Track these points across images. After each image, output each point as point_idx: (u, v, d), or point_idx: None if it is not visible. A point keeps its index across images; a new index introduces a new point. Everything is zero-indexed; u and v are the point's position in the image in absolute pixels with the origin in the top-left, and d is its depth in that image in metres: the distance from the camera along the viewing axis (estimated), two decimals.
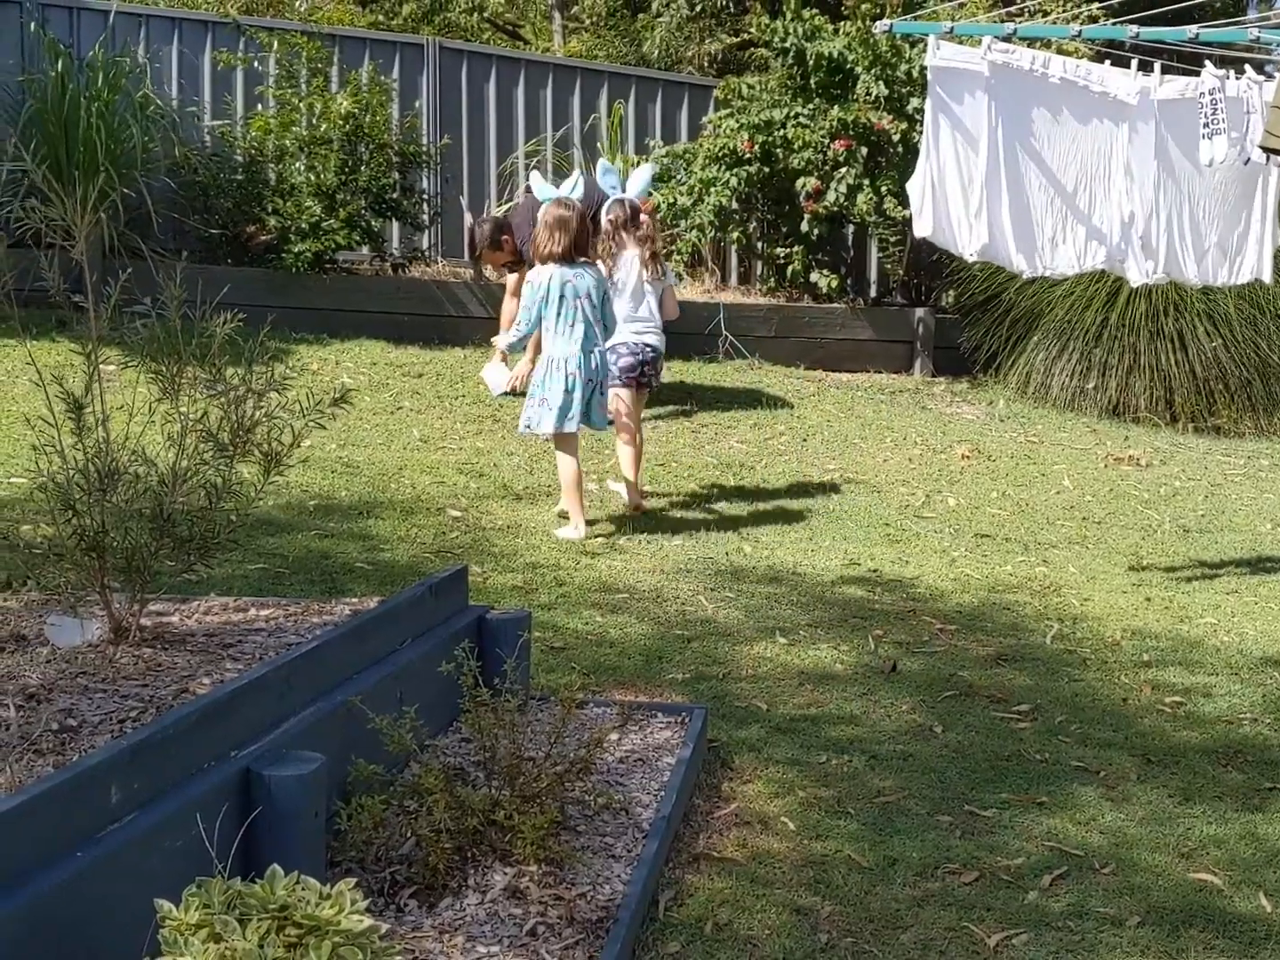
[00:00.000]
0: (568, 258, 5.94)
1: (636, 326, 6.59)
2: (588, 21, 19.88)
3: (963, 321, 10.83)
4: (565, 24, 19.81)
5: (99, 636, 3.29)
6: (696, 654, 4.57)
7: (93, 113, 8.50)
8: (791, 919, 2.93)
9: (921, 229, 5.37)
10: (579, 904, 2.80)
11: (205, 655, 3.24)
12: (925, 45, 5.85)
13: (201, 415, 3.22)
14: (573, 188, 6.25)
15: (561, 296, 5.92)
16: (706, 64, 15.96)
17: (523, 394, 6.32)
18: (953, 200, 5.34)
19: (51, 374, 3.16)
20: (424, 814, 2.87)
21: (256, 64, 9.97)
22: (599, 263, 6.41)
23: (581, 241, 5.99)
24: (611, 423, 6.34)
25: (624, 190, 6.90)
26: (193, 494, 3.27)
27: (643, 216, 6.76)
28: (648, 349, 6.60)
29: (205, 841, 2.31)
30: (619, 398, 6.43)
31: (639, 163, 11.07)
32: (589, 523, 5.93)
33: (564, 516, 6.00)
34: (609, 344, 6.30)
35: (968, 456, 8.18)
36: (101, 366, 3.23)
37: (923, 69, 10.01)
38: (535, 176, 6.91)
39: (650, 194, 8.71)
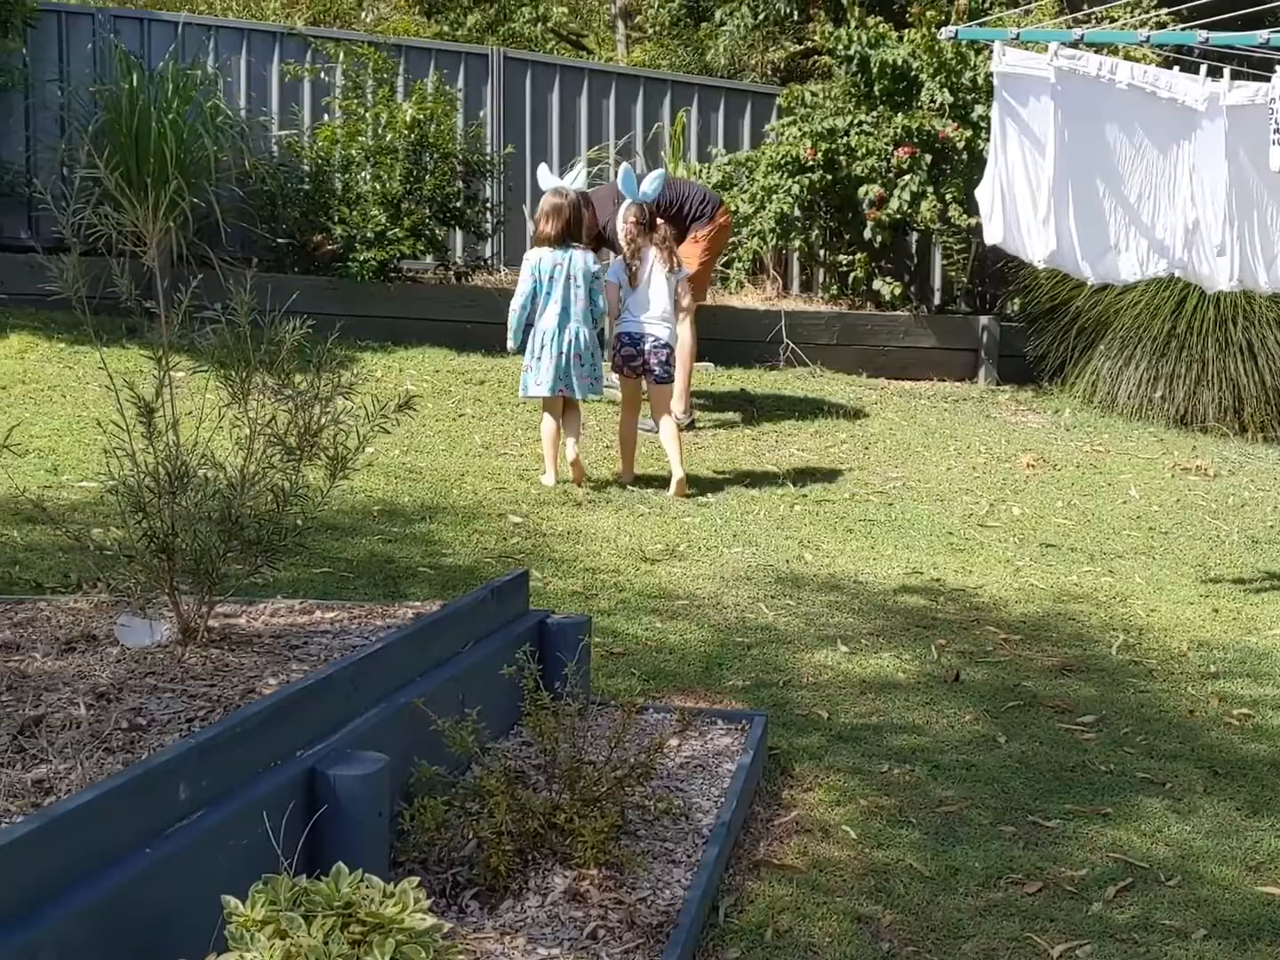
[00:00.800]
0: (559, 241, 6.65)
1: (641, 315, 6.97)
2: (651, 31, 19.93)
3: (1028, 329, 10.74)
4: (629, 33, 19.88)
5: (168, 637, 3.34)
6: (756, 661, 4.56)
7: (163, 123, 8.63)
8: (852, 927, 2.92)
9: (992, 235, 5.34)
10: (639, 908, 2.81)
11: (271, 656, 3.28)
12: (991, 52, 5.83)
13: (269, 420, 3.26)
14: (573, 179, 7.02)
15: (551, 277, 6.61)
16: (770, 72, 15.95)
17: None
18: (1022, 206, 5.31)
19: (123, 379, 3.22)
20: (485, 816, 2.89)
21: (324, 75, 10.08)
22: (621, 258, 7.06)
23: (574, 228, 6.68)
24: (596, 394, 7.01)
25: (638, 193, 7.15)
26: (260, 497, 3.32)
27: (658, 220, 7.19)
28: (648, 338, 6.92)
29: (271, 839, 2.34)
30: (621, 384, 7.08)
31: (702, 171, 11.12)
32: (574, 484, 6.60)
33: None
34: (617, 331, 6.96)
35: (1032, 465, 8.12)
36: (172, 372, 3.29)
37: (988, 76, 9.97)
38: (542, 169, 7.34)
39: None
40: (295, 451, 3.22)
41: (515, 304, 6.72)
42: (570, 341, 6.62)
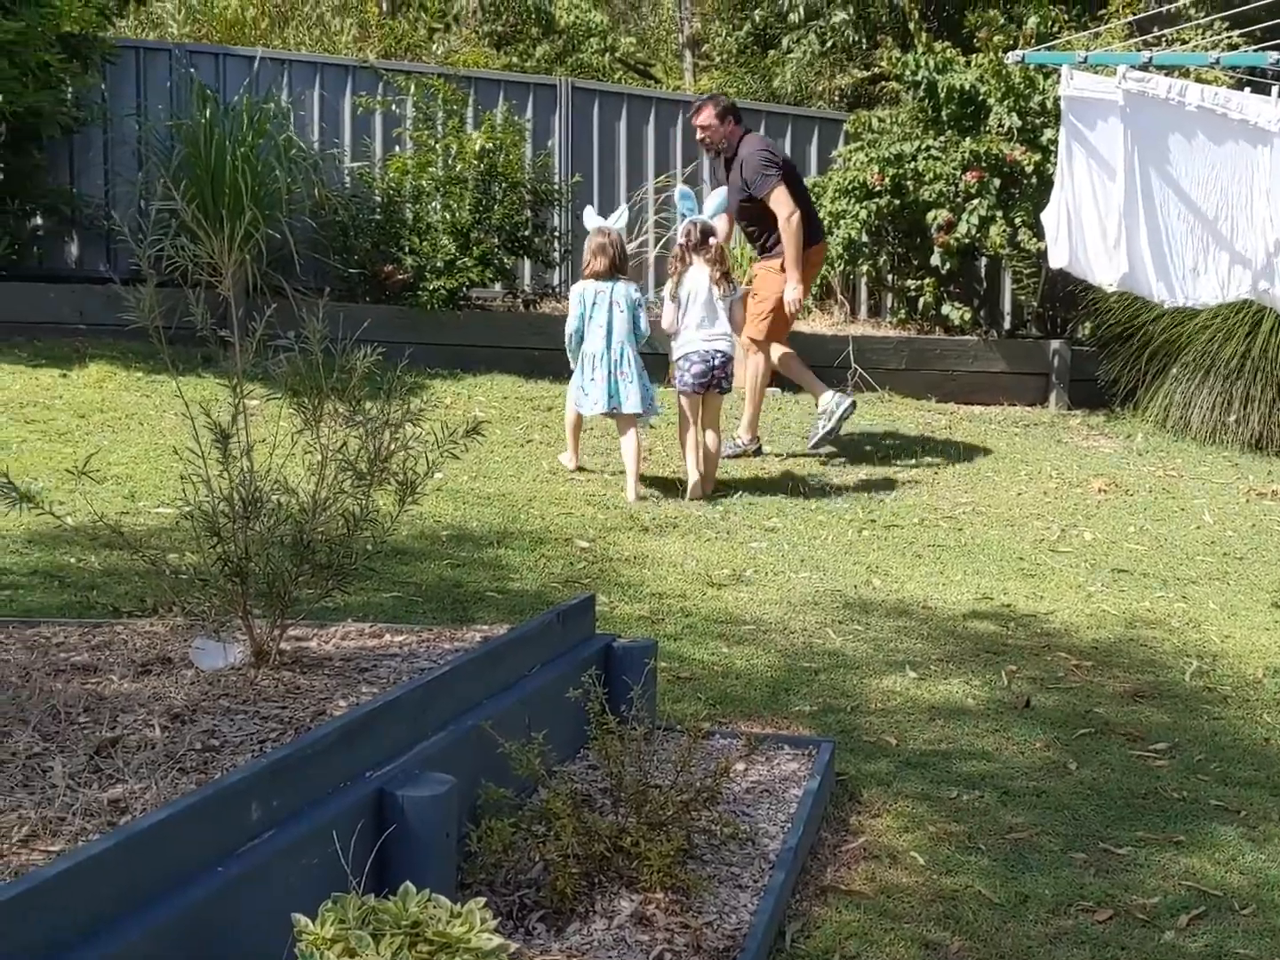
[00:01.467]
0: (606, 275, 7.27)
1: (707, 334, 7.33)
2: (718, 59, 20.03)
3: (1099, 354, 10.64)
4: (696, 62, 19.98)
5: (241, 660, 3.39)
6: (824, 686, 4.55)
7: (238, 156, 8.80)
8: (920, 953, 2.90)
9: (1057, 259, 5.33)
10: (705, 932, 2.81)
11: (342, 679, 3.33)
12: (1059, 76, 5.82)
13: (341, 445, 3.31)
14: (616, 219, 7.53)
15: (595, 304, 7.22)
16: (836, 98, 15.98)
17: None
18: (1089, 230, 5.29)
19: (199, 407, 3.29)
20: (552, 839, 2.90)
21: (395, 107, 10.23)
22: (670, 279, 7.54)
23: (618, 263, 7.32)
24: (646, 413, 7.39)
25: (700, 212, 7.58)
26: (331, 522, 3.37)
27: (711, 239, 7.44)
28: (718, 354, 7.30)
29: (340, 859, 2.37)
30: (685, 401, 7.33)
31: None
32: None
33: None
34: (682, 351, 7.34)
35: (1104, 490, 8.03)
36: (246, 400, 3.35)
37: (1057, 99, 9.91)
38: (588, 211, 7.77)
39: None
40: (366, 477, 3.26)
41: (568, 330, 7.37)
42: (618, 360, 7.18)
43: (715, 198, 7.66)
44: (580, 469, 7.46)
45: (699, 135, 8.06)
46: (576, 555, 5.83)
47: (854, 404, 8.28)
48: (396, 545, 5.49)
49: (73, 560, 5.13)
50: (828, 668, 4.71)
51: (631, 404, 7.13)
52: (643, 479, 7.20)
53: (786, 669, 4.67)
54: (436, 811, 2.63)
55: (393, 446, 3.36)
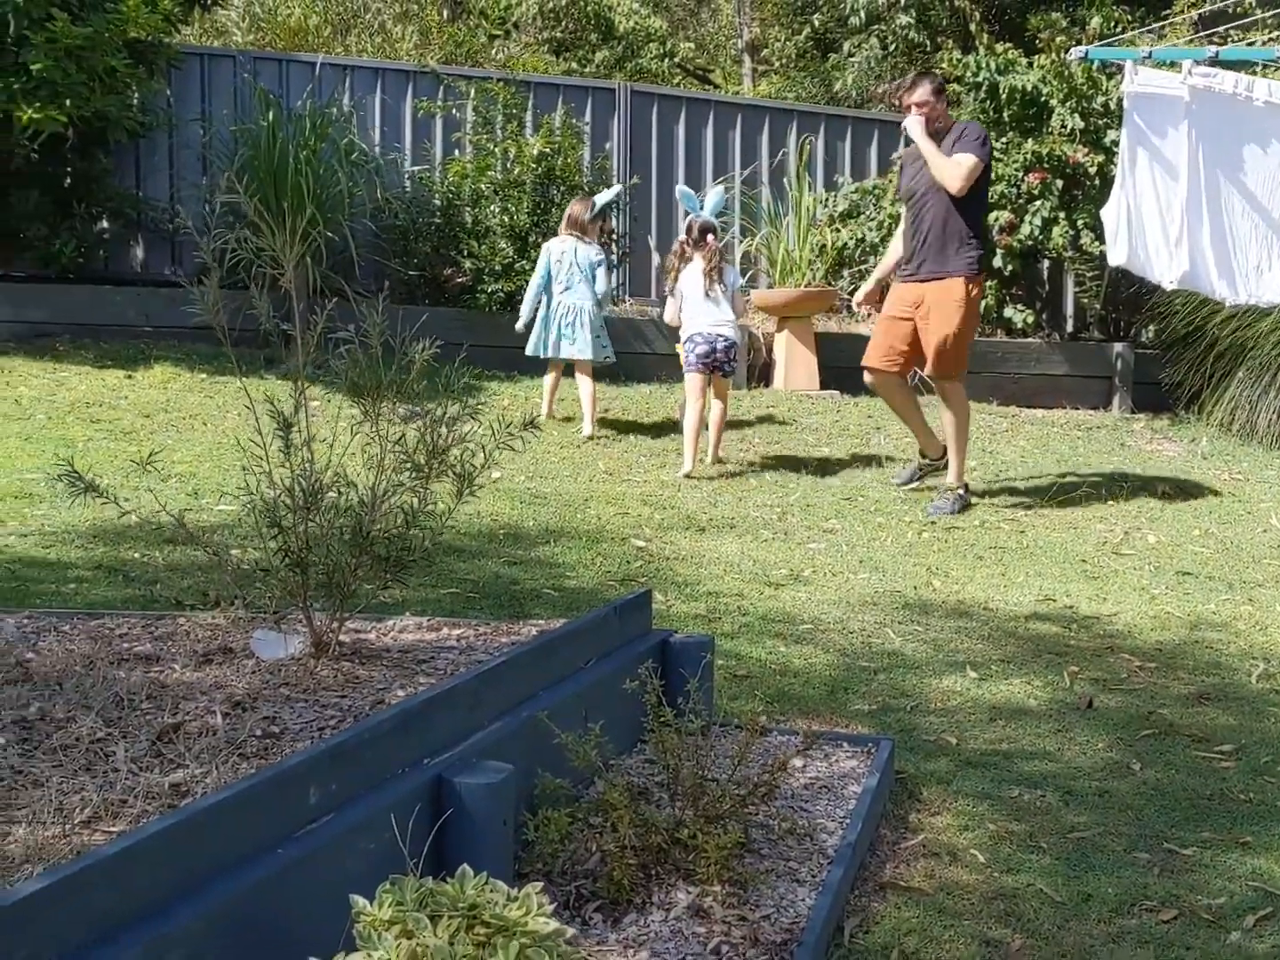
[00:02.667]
0: (571, 236, 8.30)
1: (712, 320, 7.83)
2: (777, 64, 20.01)
3: (1164, 357, 10.52)
4: (755, 67, 19.98)
5: (301, 651, 3.41)
6: (883, 686, 4.51)
7: (300, 159, 8.88)
8: (981, 950, 2.87)
9: (1116, 257, 5.27)
10: (763, 926, 2.79)
11: (400, 670, 3.34)
12: (1122, 75, 5.76)
13: (399, 438, 3.33)
14: (603, 196, 8.62)
15: (558, 261, 8.31)
16: (897, 103, 15.90)
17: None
18: (1150, 227, 5.22)
19: (263, 395, 3.32)
20: (609, 830, 2.90)
21: (455, 111, 10.30)
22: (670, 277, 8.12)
23: (580, 226, 8.35)
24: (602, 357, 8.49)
25: (701, 210, 8.10)
26: (390, 515, 3.39)
27: (709, 237, 7.92)
28: (720, 338, 7.80)
29: (399, 842, 2.38)
30: (691, 380, 7.79)
31: (828, 199, 11.11)
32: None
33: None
34: (687, 334, 7.89)
35: (1169, 494, 7.93)
36: (306, 395, 3.37)
37: (1119, 100, 9.83)
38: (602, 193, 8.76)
39: (724, 211, 9.46)
40: (424, 470, 3.28)
41: (531, 283, 8.47)
42: (572, 311, 8.28)
43: (714, 196, 8.23)
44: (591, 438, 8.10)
45: (915, 115, 7.07)
46: (632, 554, 5.83)
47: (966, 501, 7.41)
48: (453, 543, 5.52)
49: (136, 555, 5.19)
50: (887, 667, 4.68)
51: (570, 350, 8.29)
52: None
53: (845, 668, 4.64)
54: (493, 799, 2.62)
55: (450, 440, 3.36)
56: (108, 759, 2.66)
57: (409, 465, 3.27)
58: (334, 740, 2.49)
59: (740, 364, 9.87)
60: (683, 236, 8.09)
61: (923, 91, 7.06)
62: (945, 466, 7.45)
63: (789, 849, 3.16)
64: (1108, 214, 5.28)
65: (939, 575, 5.92)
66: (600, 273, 8.43)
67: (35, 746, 2.71)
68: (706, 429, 7.86)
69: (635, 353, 9.64)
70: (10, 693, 3.00)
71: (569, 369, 8.55)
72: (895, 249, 7.59)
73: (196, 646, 3.51)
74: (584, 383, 8.31)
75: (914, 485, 7.53)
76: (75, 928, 1.85)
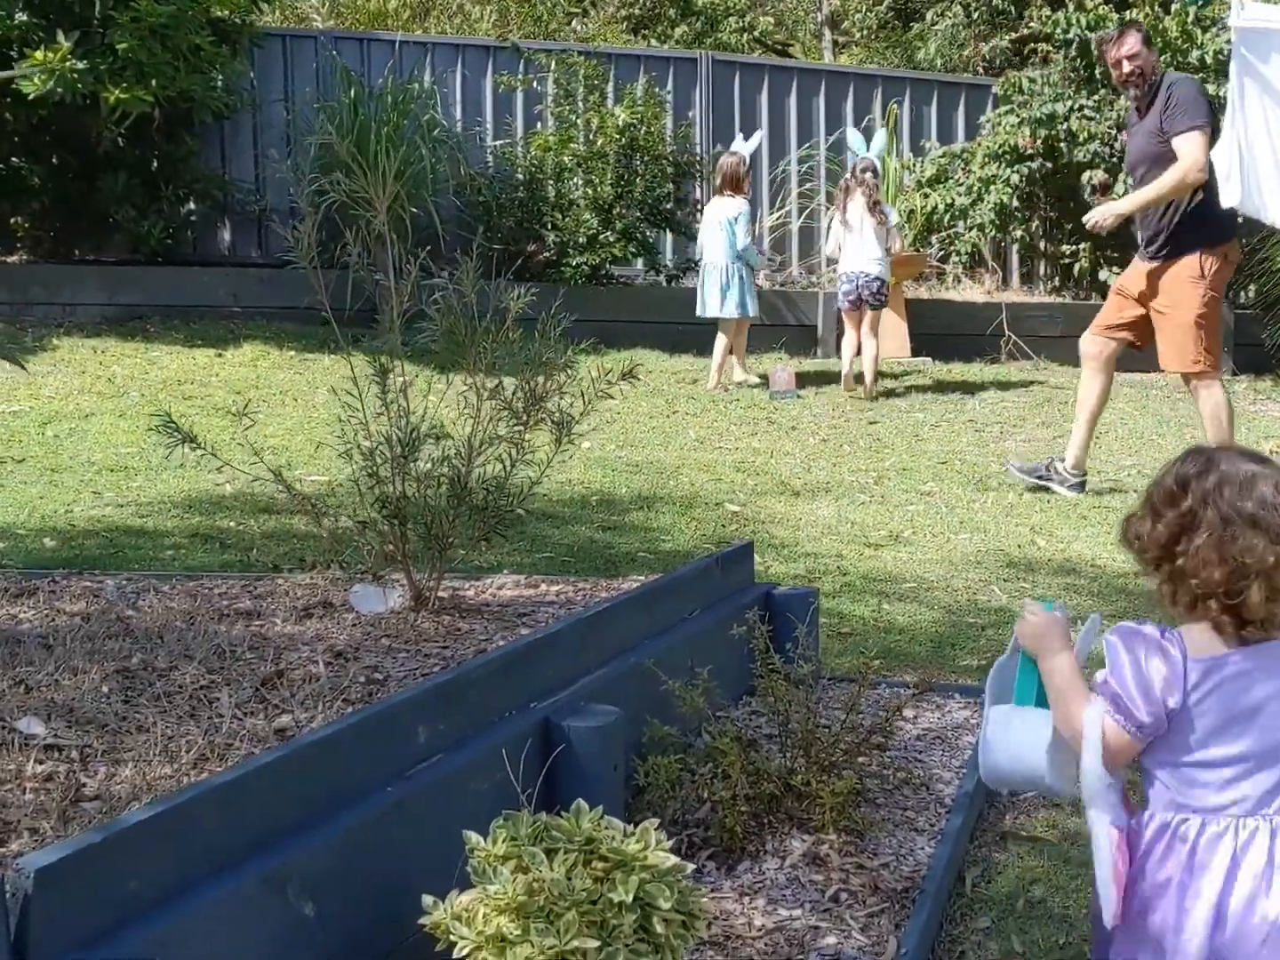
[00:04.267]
0: (720, 192, 8.80)
1: (860, 256, 8.64)
2: (858, 35, 19.76)
3: (1264, 316, 10.22)
4: (835, 39, 19.72)
5: (400, 604, 3.39)
6: (991, 641, 4.39)
7: (382, 136, 8.88)
8: None
9: (1229, 197, 5.09)
10: (882, 874, 2.71)
11: (500, 623, 3.30)
12: (1217, 28, 5.63)
13: (496, 385, 3.27)
14: (749, 145, 9.10)
15: (707, 220, 8.85)
16: (981, 69, 15.63)
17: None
18: (1263, 167, 5.03)
19: (364, 373, 3.27)
20: (720, 778, 2.82)
21: (536, 85, 10.25)
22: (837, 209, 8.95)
23: (732, 182, 8.79)
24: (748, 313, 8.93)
25: (868, 150, 8.93)
26: (487, 464, 3.34)
27: (868, 175, 8.70)
28: (863, 274, 8.61)
29: (512, 781, 2.32)
30: (842, 315, 8.89)
31: (915, 164, 10.94)
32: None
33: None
34: (840, 271, 8.83)
35: (1275, 453, 7.69)
36: (395, 372, 3.31)
37: (1216, 53, 9.57)
38: (738, 139, 9.37)
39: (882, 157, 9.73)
40: (522, 416, 3.22)
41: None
42: (718, 269, 8.70)
43: (879, 137, 9.05)
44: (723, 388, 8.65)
45: (1126, 69, 6.08)
46: (727, 518, 5.74)
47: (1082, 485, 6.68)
48: (546, 510, 5.47)
49: (232, 524, 5.20)
50: (994, 624, 4.55)
51: (717, 309, 8.67)
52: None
53: (950, 625, 4.52)
54: (603, 742, 2.57)
55: (549, 388, 3.31)
56: (211, 705, 2.65)
57: (507, 412, 3.21)
58: (439, 679, 2.44)
59: (830, 332, 9.77)
60: (847, 174, 8.95)
61: (1132, 43, 6.10)
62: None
63: (904, 798, 3.07)
64: (1218, 154, 5.10)
65: (1043, 535, 5.77)
66: (738, 228, 8.67)
67: (139, 694, 2.69)
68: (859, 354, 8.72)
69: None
70: (112, 646, 2.99)
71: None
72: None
73: (295, 603, 3.50)
74: (718, 338, 8.74)
75: (1031, 481, 6.62)
76: (186, 858, 1.81)
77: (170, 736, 2.45)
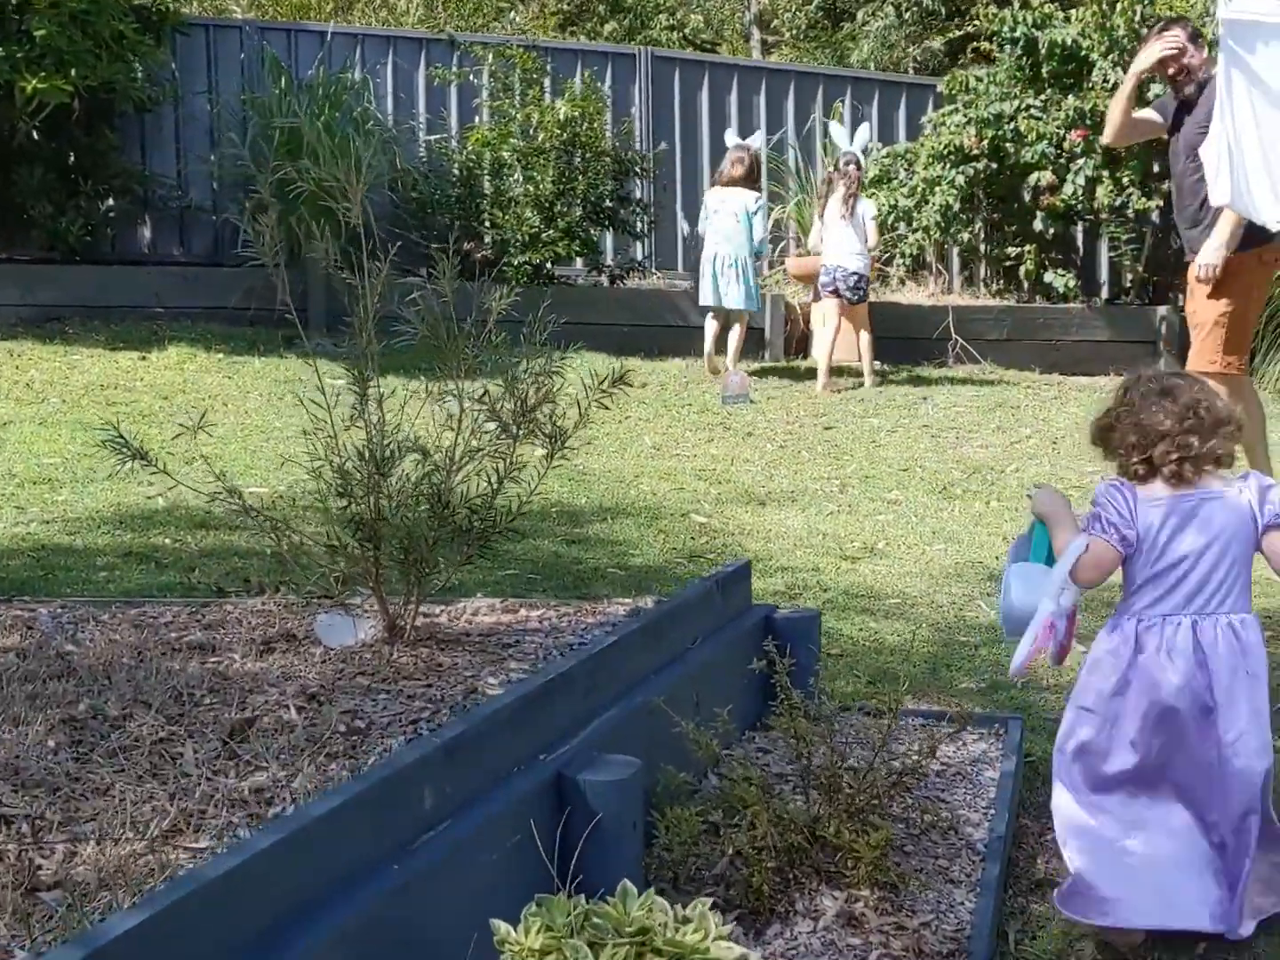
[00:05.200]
0: (739, 183, 8.88)
1: (840, 249, 8.82)
2: (787, 35, 19.59)
3: None
4: (764, 39, 19.55)
5: (372, 636, 3.08)
6: (987, 661, 4.18)
7: (315, 129, 8.51)
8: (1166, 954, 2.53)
9: (1218, 196, 4.90)
10: (924, 934, 2.45)
11: (485, 655, 3.01)
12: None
13: (481, 394, 2.98)
14: (755, 140, 9.40)
15: (717, 211, 8.84)
16: (913, 69, 15.51)
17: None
18: (1252, 164, 4.85)
19: (289, 378, 2.98)
20: (745, 829, 2.55)
21: (472, 77, 9.93)
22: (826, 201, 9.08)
23: (752, 174, 8.98)
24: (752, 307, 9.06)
25: (852, 144, 9.14)
26: (467, 481, 3.05)
27: (850, 168, 8.88)
28: (840, 269, 8.79)
29: (529, 848, 2.03)
30: (820, 306, 9.16)
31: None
32: None
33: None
34: (822, 263, 8.91)
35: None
36: (334, 382, 3.02)
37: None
38: (729, 133, 9.60)
39: (869, 148, 10.06)
40: (511, 427, 2.93)
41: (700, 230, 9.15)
42: (726, 261, 8.72)
43: (862, 130, 9.33)
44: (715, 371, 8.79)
45: (1173, 68, 5.71)
46: (695, 529, 5.49)
47: None
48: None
49: (167, 541, 4.86)
50: (987, 641, 4.34)
51: (730, 300, 8.71)
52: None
53: (943, 644, 4.31)
54: (622, 799, 2.29)
55: (539, 397, 3.03)
56: (174, 762, 2.33)
57: (494, 421, 2.92)
58: (448, 734, 2.14)
59: (777, 335, 9.57)
60: (830, 168, 9.28)
61: (1180, 38, 5.69)
62: None
63: (934, 844, 2.82)
64: (1206, 151, 4.92)
65: None
66: (757, 220, 8.88)
67: (90, 749, 2.37)
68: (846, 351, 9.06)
69: (669, 326, 9.28)
70: (55, 688, 2.66)
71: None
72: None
73: (253, 635, 3.18)
74: (734, 333, 8.92)
75: None
76: None
77: (133, 802, 2.13)
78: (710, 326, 8.88)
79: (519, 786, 2.22)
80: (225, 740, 2.41)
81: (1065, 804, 2.67)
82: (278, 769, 2.29)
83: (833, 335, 8.80)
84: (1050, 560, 2.69)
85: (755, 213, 8.82)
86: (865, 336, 8.99)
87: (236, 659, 2.96)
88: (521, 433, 2.99)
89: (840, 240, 8.79)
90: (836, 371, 9.01)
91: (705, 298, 8.86)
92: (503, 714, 2.26)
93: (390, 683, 2.78)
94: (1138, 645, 2.60)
